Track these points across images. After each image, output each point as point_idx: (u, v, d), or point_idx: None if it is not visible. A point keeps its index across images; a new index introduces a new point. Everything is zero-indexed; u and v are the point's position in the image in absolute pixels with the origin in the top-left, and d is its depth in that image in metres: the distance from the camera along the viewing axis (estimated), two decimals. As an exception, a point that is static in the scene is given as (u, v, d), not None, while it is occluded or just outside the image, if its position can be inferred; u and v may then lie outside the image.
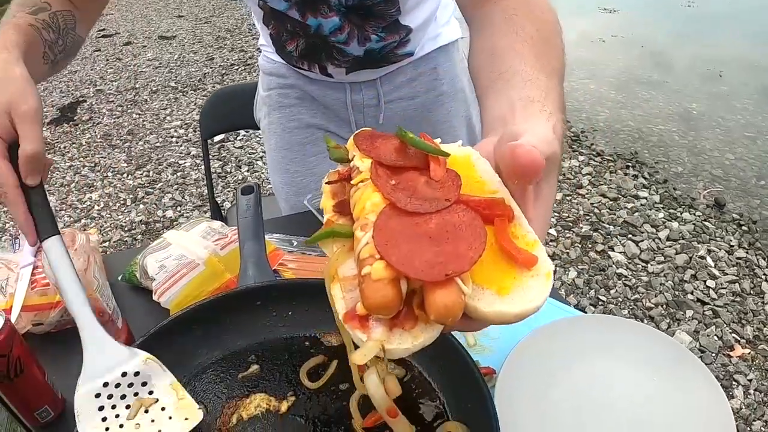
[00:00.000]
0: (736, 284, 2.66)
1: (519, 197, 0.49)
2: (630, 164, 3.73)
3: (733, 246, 2.93)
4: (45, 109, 5.54)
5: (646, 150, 3.94)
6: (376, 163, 0.51)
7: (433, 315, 0.41)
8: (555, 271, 2.76)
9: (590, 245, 2.95)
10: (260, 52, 1.39)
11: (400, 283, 0.43)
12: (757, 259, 2.82)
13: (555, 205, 3.28)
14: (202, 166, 2.01)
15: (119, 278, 1.14)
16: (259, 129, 1.64)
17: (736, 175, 3.60)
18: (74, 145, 4.57)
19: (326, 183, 0.57)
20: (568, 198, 3.36)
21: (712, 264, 2.79)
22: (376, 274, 0.42)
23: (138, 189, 3.77)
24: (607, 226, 3.09)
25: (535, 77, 0.60)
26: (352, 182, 0.52)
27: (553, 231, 3.06)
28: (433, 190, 0.48)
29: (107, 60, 7.12)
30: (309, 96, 1.33)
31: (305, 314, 0.85)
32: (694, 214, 3.17)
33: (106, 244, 3.24)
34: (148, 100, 5.32)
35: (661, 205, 3.24)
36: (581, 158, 3.79)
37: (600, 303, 2.57)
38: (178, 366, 0.75)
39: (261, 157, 3.93)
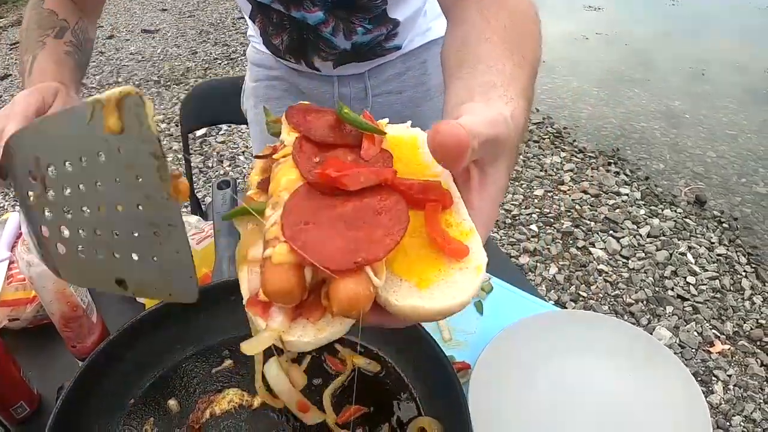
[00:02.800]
0: (717, 281, 2.69)
1: (462, 183, 0.47)
2: (612, 161, 3.75)
3: (713, 243, 2.95)
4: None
5: (628, 147, 3.96)
6: (302, 137, 0.47)
7: (336, 307, 0.37)
8: (535, 267, 2.77)
9: (571, 241, 2.97)
10: (249, 43, 1.39)
11: (303, 270, 0.39)
12: (737, 256, 2.85)
13: (536, 201, 3.31)
14: (183, 161, 2.00)
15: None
16: (240, 123, 1.63)
17: (718, 173, 3.63)
18: (56, 140, 4.53)
19: (255, 157, 0.53)
20: (549, 194, 3.37)
21: (693, 260, 2.82)
22: (278, 257, 0.38)
23: (119, 182, 3.73)
24: (589, 222, 3.11)
25: (501, 64, 0.57)
26: (274, 156, 0.48)
27: (534, 227, 3.08)
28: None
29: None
30: (296, 88, 1.32)
31: (279, 309, 0.85)
32: (675, 211, 3.20)
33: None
34: (131, 94, 5.29)
35: (643, 202, 3.26)
36: (563, 155, 3.81)
37: (581, 299, 2.59)
38: (152, 361, 0.75)
39: (243, 152, 3.91)
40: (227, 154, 3.91)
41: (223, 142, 4.06)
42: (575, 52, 6.07)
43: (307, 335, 0.40)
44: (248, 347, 0.40)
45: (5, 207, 3.61)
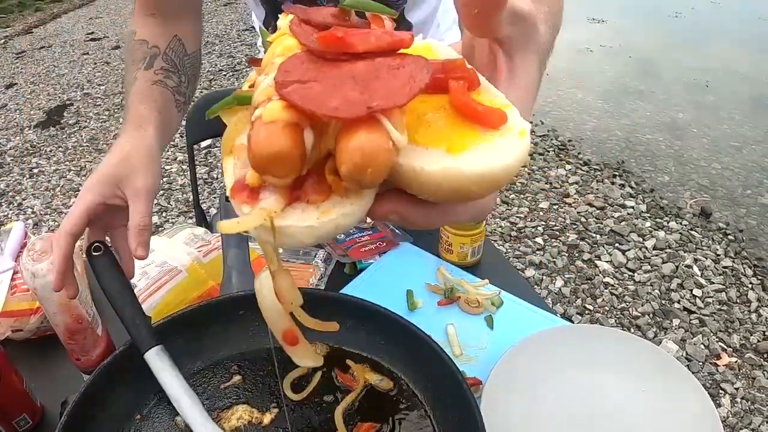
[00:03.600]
0: (723, 293, 2.67)
1: (490, 74, 0.39)
2: (617, 173, 3.73)
3: (719, 255, 2.93)
4: (31, 112, 5.49)
5: (633, 159, 3.95)
6: (300, 19, 0.37)
7: (344, 165, 0.28)
8: (541, 280, 2.76)
9: (577, 254, 2.95)
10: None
11: (303, 133, 0.30)
12: (744, 268, 2.83)
13: (541, 214, 3.30)
14: (189, 172, 1.99)
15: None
16: None
17: (723, 185, 3.62)
18: (60, 148, 4.52)
19: (251, 61, 0.42)
20: (554, 207, 3.36)
21: (699, 273, 2.80)
22: (270, 114, 0.29)
23: (123, 194, 3.72)
24: (594, 235, 3.09)
25: None
26: (268, 39, 0.39)
27: (539, 240, 3.06)
28: None
29: (95, 63, 7.07)
30: None
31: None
32: (681, 224, 3.18)
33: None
34: (136, 103, 5.29)
35: (648, 215, 3.25)
36: (568, 167, 3.80)
37: (587, 312, 2.57)
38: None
39: None
40: None
41: None
42: (579, 64, 6.07)
43: (309, 219, 0.30)
44: (227, 225, 0.31)
45: (9, 216, 3.61)
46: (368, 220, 0.37)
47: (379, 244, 1.17)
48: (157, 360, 0.73)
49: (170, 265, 1.10)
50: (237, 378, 0.78)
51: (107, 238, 0.81)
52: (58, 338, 0.91)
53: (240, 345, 0.82)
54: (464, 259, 1.14)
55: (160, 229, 3.32)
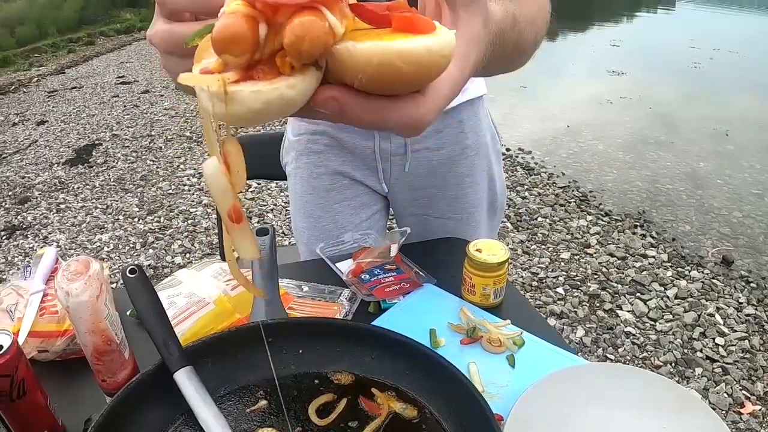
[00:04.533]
0: (746, 341, 2.63)
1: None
2: (638, 223, 3.73)
3: (741, 303, 2.91)
4: (61, 150, 5.61)
5: (654, 209, 3.95)
6: None
7: (287, 38, 0.33)
8: (562, 330, 2.74)
9: (598, 304, 2.93)
10: None
11: (258, 24, 0.34)
12: (767, 316, 2.80)
13: (562, 264, 3.29)
14: (213, 215, 2.03)
15: (128, 313, 1.15)
16: (275, 178, 1.65)
17: (744, 233, 3.61)
18: (88, 186, 4.61)
19: None
20: (576, 257, 3.35)
21: (721, 321, 2.77)
22: (231, 8, 0.34)
23: (148, 234, 3.78)
24: (615, 284, 3.08)
25: None
26: None
27: (560, 290, 3.05)
28: None
29: (125, 106, 7.25)
30: (338, 143, 1.34)
31: (315, 353, 0.85)
32: (703, 272, 3.16)
33: (113, 286, 3.25)
34: (163, 147, 5.39)
35: (669, 264, 3.23)
36: (589, 218, 3.81)
37: (608, 361, 2.54)
38: (185, 399, 0.75)
39: (272, 210, 3.96)
40: (256, 210, 3.96)
41: (252, 199, 4.12)
42: (600, 116, 6.14)
43: (257, 86, 0.34)
44: (186, 76, 0.35)
45: (34, 248, 3.67)
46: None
47: (403, 284, 1.18)
48: (187, 380, 0.74)
49: (198, 296, 1.12)
50: (263, 402, 0.79)
51: None
52: (82, 361, 0.93)
53: (267, 371, 0.82)
54: (487, 301, 1.15)
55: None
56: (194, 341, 0.81)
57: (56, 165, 5.16)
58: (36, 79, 10.54)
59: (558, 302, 2.95)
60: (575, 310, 2.89)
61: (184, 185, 4.50)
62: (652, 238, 3.54)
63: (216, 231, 3.57)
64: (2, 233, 3.91)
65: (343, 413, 0.76)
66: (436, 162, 1.34)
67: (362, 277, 1.18)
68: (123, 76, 9.89)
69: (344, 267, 1.21)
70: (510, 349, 1.05)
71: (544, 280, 3.13)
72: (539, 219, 3.80)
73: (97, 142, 5.75)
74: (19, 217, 4.14)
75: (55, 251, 1.27)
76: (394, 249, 1.22)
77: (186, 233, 3.75)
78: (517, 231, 3.64)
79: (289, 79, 0.34)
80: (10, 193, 4.60)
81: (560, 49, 12.53)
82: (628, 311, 2.85)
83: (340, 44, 0.35)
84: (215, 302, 1.11)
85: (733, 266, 3.25)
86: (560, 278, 3.15)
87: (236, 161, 0.41)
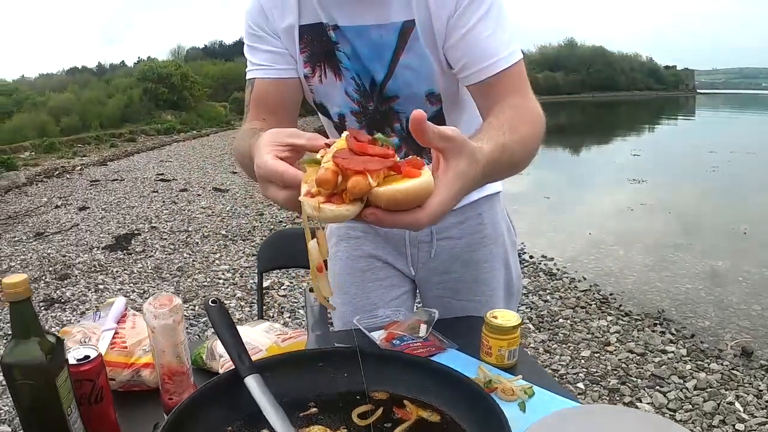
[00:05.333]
0: (766, 425, 2.65)
1: (434, 169, 0.75)
2: (657, 322, 3.81)
3: (762, 390, 2.94)
4: (101, 235, 5.88)
5: (673, 308, 4.03)
6: (352, 135, 0.74)
7: (348, 186, 0.66)
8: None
9: (618, 397, 2.97)
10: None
11: (338, 175, 0.68)
12: (788, 400, 2.82)
13: (583, 362, 3.37)
14: (246, 308, 2.19)
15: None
16: (306, 267, 1.83)
17: (764, 324, 3.68)
18: (126, 271, 4.81)
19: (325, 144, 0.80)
20: (596, 355, 3.42)
21: (741, 409, 2.80)
22: (326, 164, 0.69)
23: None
24: (635, 379, 3.12)
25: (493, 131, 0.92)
26: (326, 142, 0.79)
27: (581, 385, 3.11)
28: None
29: (163, 202, 7.59)
30: (373, 230, 1.51)
31: (358, 376, 0.99)
32: (722, 364, 3.21)
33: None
34: (199, 243, 5.62)
35: (689, 358, 3.28)
36: (609, 318, 3.90)
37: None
38: (249, 403, 0.89)
39: (302, 306, 4.07)
40: (288, 306, 4.10)
41: (284, 296, 4.28)
42: (621, 223, 6.32)
43: (332, 206, 0.67)
44: (305, 200, 0.69)
45: (71, 321, 3.82)
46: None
47: (430, 349, 1.31)
48: (254, 384, 0.89)
49: (251, 345, 1.26)
50: (313, 410, 0.93)
51: None
52: (142, 394, 1.08)
53: (317, 389, 0.97)
54: (502, 361, 1.27)
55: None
56: (261, 358, 0.96)
57: (96, 249, 5.40)
58: (79, 167, 11.06)
59: (578, 397, 2.99)
60: (595, 403, 2.93)
61: (219, 279, 4.67)
62: (672, 334, 3.61)
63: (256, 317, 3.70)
64: (41, 304, 4.09)
65: (380, 418, 0.91)
66: (458, 249, 1.50)
67: (393, 342, 1.32)
68: (162, 174, 10.35)
69: (377, 335, 1.35)
70: (521, 398, 1.16)
71: (564, 377, 3.19)
72: (560, 320, 3.89)
73: (136, 231, 6.01)
74: (58, 292, 4.34)
75: (124, 300, 1.43)
76: (423, 329, 1.36)
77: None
78: (539, 332, 3.73)
79: (348, 206, 0.68)
80: (50, 268, 4.82)
81: (583, 161, 12.90)
82: (648, 403, 2.89)
83: (374, 190, 0.68)
84: (267, 349, 1.25)
85: (752, 356, 3.30)
86: (580, 374, 3.21)
87: (323, 241, 0.77)
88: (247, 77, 1.27)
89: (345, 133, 0.75)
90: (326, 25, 1.18)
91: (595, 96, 68.79)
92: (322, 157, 0.74)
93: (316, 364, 1.00)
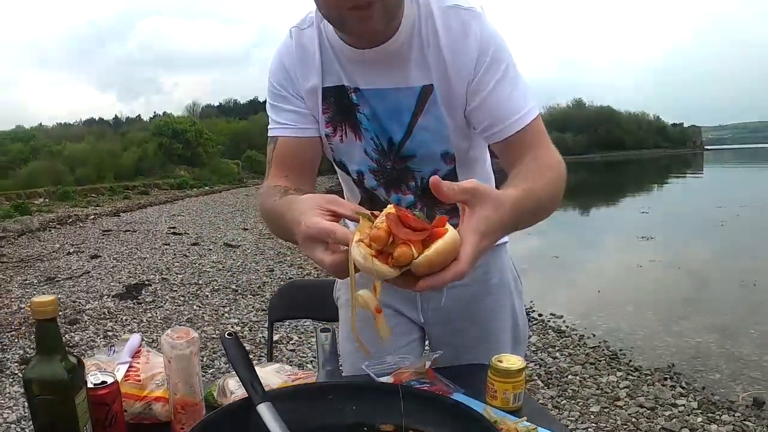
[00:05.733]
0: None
1: (461, 222, 0.83)
2: (667, 376, 3.78)
3: (774, 440, 2.89)
4: (111, 284, 5.93)
5: (683, 362, 4.00)
6: (396, 206, 0.83)
7: (396, 253, 0.76)
8: None
9: (628, 451, 2.94)
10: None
11: (390, 236, 0.77)
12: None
13: (592, 417, 3.35)
14: (255, 361, 2.21)
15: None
16: (321, 319, 1.91)
17: (776, 375, 3.64)
18: (135, 320, 4.83)
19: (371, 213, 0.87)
20: (605, 410, 3.39)
21: (754, 457, 2.75)
22: (381, 225, 0.78)
23: (191, 369, 3.91)
24: (645, 432, 3.09)
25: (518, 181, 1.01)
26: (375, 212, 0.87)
27: (590, 438, 3.08)
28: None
29: (175, 255, 7.65)
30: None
31: (366, 409, 1.03)
32: (734, 415, 3.17)
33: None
34: (209, 296, 5.64)
35: (700, 411, 3.24)
36: (619, 374, 3.88)
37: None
38: (260, 430, 0.92)
39: (311, 361, 4.09)
40: (296, 360, 4.11)
41: (292, 350, 4.28)
42: (630, 280, 6.33)
43: (380, 264, 0.77)
44: (355, 251, 0.78)
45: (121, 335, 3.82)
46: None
47: (436, 392, 1.34)
48: (267, 411, 0.92)
49: (263, 383, 1.29)
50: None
51: None
52: (151, 427, 1.11)
53: (326, 420, 1.00)
54: (507, 404, 1.29)
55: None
56: (273, 389, 0.99)
57: (106, 296, 5.45)
58: (92, 216, 11.21)
59: (588, 447, 2.97)
60: (605, 456, 2.90)
61: (229, 332, 4.65)
62: (682, 388, 3.58)
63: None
64: (50, 348, 4.09)
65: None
66: (466, 298, 1.53)
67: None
68: (174, 227, 10.46)
69: (385, 380, 1.38)
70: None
71: (574, 431, 3.16)
72: (569, 376, 3.87)
73: (146, 282, 6.05)
74: (67, 336, 4.36)
75: (140, 336, 1.47)
76: (428, 363, 1.40)
77: (228, 373, 3.85)
78: (548, 388, 3.70)
79: (393, 269, 0.77)
80: (60, 313, 4.82)
81: (592, 220, 12.96)
82: (659, 456, 2.86)
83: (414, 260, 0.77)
84: (278, 387, 1.28)
85: (765, 407, 3.26)
86: (590, 430, 3.18)
87: (378, 289, 0.85)
88: (270, 134, 1.32)
89: (390, 206, 0.83)
90: (348, 87, 1.23)
91: (604, 156, 69.27)
92: (375, 217, 0.83)
93: (326, 397, 1.03)
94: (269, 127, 1.32)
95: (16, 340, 4.30)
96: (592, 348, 4.34)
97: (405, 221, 0.78)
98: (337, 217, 0.89)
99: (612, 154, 72.36)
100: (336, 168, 1.41)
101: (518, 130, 1.16)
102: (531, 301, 5.43)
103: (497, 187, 1.05)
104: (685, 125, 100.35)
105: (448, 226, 0.79)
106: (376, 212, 0.85)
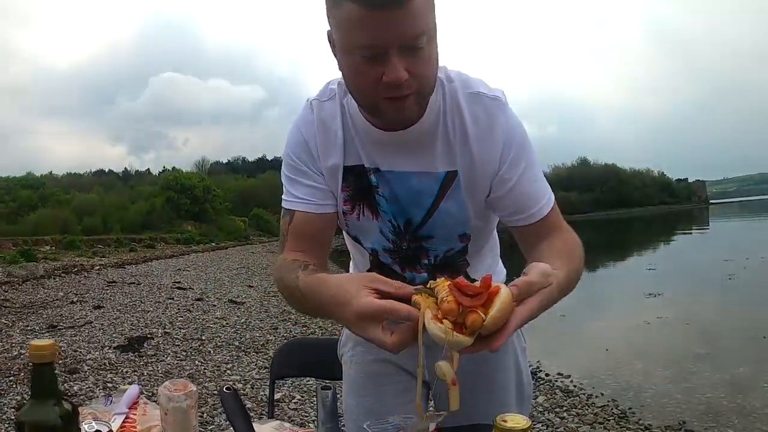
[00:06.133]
0: None
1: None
2: (678, 432, 3.69)
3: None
4: (113, 335, 5.89)
5: (694, 419, 3.91)
6: (448, 277, 0.88)
7: (469, 322, 0.79)
8: None
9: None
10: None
11: (459, 305, 0.80)
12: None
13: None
14: (256, 420, 2.18)
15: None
16: (326, 378, 1.89)
17: (791, 427, 3.53)
18: (136, 372, 4.78)
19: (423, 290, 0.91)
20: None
21: None
22: (448, 298, 0.81)
23: (190, 425, 3.85)
24: (657, 490, 3.01)
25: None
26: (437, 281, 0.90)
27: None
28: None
29: (178, 309, 7.62)
30: None
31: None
32: (747, 470, 3.07)
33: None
34: (212, 352, 5.58)
35: (713, 467, 3.16)
36: (629, 432, 3.78)
37: None
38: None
39: (313, 420, 3.99)
40: (297, 420, 4.02)
41: (294, 409, 4.22)
42: (638, 337, 6.27)
43: (459, 336, 0.80)
44: (435, 327, 0.80)
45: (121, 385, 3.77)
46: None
47: None
48: None
49: (262, 443, 1.28)
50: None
51: None
52: None
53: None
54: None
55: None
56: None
57: (108, 348, 5.40)
58: (98, 267, 11.23)
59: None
60: None
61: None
62: (694, 444, 3.49)
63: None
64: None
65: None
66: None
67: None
68: (179, 282, 10.45)
69: None
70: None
71: (581, 488, 3.08)
72: (577, 437, 3.78)
73: (149, 335, 6.01)
74: (65, 385, 4.31)
75: (138, 388, 1.46)
76: (431, 426, 1.38)
77: (227, 431, 3.78)
78: (556, 448, 3.63)
79: (467, 337, 0.80)
80: (60, 361, 4.80)
81: (598, 278, 12.90)
82: None
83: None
84: (277, 445, 1.27)
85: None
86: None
87: (456, 360, 0.87)
88: (286, 207, 1.29)
89: (442, 278, 0.88)
90: (368, 168, 1.23)
91: (609, 214, 69.37)
92: (431, 289, 0.87)
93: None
94: (285, 198, 1.29)
95: (14, 386, 4.26)
96: (600, 407, 4.24)
97: (464, 289, 0.82)
98: (381, 294, 0.90)
99: (617, 211, 72.46)
100: (346, 235, 1.40)
101: (539, 219, 1.20)
102: (538, 361, 5.36)
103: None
104: (690, 180, 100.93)
105: (497, 282, 0.83)
106: (419, 286, 0.89)
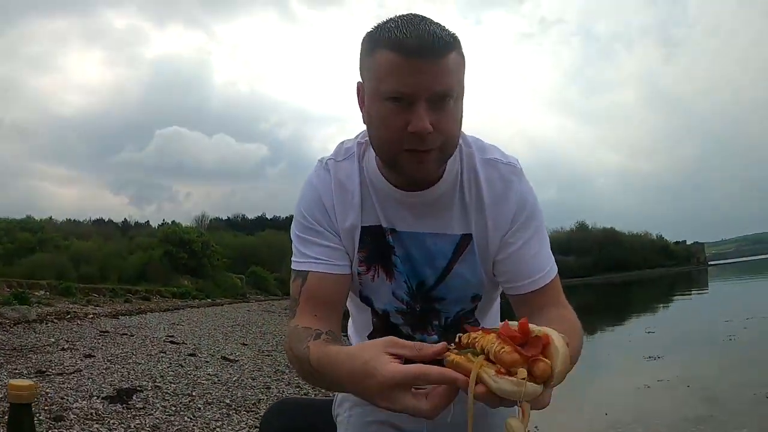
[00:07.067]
0: None
1: None
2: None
3: None
4: (102, 385, 5.74)
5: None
6: (483, 329, 0.88)
7: (538, 372, 0.76)
8: None
9: None
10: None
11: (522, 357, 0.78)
12: None
13: None
14: None
15: None
16: None
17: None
18: (123, 425, 4.61)
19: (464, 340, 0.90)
20: None
21: None
22: (507, 350, 0.78)
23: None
24: None
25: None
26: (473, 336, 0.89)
27: None
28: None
29: (170, 363, 7.46)
30: None
31: None
32: None
33: None
34: (202, 408, 5.41)
35: None
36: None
37: None
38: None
39: None
40: None
41: None
42: (639, 401, 6.17)
43: (533, 385, 0.77)
44: (505, 384, 0.77)
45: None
46: None
47: None
48: None
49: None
50: None
51: None
52: None
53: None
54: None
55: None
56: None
57: (96, 397, 5.26)
58: (91, 315, 11.09)
59: None
60: None
61: (218, 448, 4.45)
62: None
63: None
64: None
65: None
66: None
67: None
68: (172, 336, 10.31)
69: None
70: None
71: None
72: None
73: (138, 388, 5.85)
74: (49, 432, 4.15)
75: None
76: None
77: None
78: None
79: (538, 386, 0.77)
80: (46, 407, 4.66)
81: (597, 342, 12.76)
82: None
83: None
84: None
85: None
86: None
87: (527, 413, 0.80)
88: (298, 269, 1.24)
89: (478, 332, 0.86)
90: (385, 229, 1.22)
91: (608, 277, 69.14)
92: (475, 346, 0.84)
93: None
94: (296, 260, 1.25)
95: (-1, 428, 4.12)
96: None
97: (515, 339, 0.79)
98: (400, 359, 0.86)
99: (616, 275, 72.24)
100: (351, 297, 1.35)
101: (539, 287, 1.18)
102: (536, 426, 5.21)
103: None
104: (688, 242, 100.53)
105: (544, 329, 0.81)
106: (438, 346, 0.87)
